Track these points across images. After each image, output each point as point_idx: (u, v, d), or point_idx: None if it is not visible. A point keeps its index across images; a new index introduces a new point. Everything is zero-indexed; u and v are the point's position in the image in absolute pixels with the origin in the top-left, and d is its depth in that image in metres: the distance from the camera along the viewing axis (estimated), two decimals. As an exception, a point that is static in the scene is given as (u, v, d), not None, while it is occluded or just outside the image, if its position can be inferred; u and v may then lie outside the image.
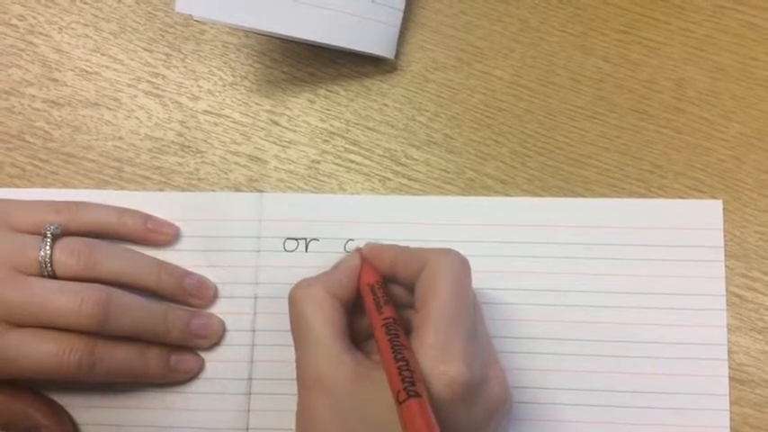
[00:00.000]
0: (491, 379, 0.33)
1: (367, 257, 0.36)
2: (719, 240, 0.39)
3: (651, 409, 0.37)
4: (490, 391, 0.33)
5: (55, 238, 0.36)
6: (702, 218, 0.39)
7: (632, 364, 0.38)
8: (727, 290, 0.39)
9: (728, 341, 0.38)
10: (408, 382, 0.29)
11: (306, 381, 0.33)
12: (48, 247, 0.35)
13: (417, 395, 0.28)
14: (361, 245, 0.38)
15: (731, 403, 0.38)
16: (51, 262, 0.35)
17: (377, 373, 0.31)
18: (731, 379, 0.38)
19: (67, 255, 0.36)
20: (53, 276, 0.35)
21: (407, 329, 0.33)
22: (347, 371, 0.32)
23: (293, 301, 0.34)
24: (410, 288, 0.35)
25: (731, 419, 0.37)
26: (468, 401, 0.31)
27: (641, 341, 0.38)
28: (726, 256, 0.39)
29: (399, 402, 0.28)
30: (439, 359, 0.31)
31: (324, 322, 0.33)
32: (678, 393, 0.37)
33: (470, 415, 0.32)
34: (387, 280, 0.36)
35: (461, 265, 0.34)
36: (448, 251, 0.34)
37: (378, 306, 0.34)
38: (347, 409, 0.31)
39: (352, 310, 0.36)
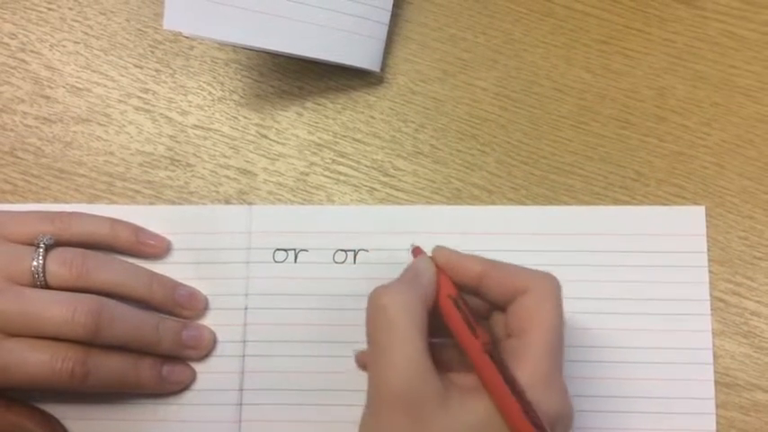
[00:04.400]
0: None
1: (442, 266, 0.34)
2: (703, 246, 0.40)
3: (637, 413, 0.38)
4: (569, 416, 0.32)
5: (48, 248, 0.36)
6: (686, 224, 0.40)
7: (618, 369, 0.38)
8: (711, 295, 0.39)
9: (714, 345, 0.39)
10: (538, 426, 0.28)
11: (385, 394, 0.30)
12: (41, 258, 0.36)
13: None
14: (415, 244, 0.36)
15: (717, 407, 0.38)
16: (44, 272, 0.36)
17: (469, 398, 0.30)
18: (717, 383, 0.38)
19: (60, 265, 0.36)
20: (46, 286, 0.36)
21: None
22: (435, 391, 0.30)
23: (383, 307, 0.31)
24: (493, 303, 0.34)
25: (717, 423, 0.38)
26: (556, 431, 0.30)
27: (627, 347, 0.38)
28: (709, 261, 0.39)
29: None
30: (541, 393, 0.30)
31: (420, 335, 0.30)
32: (664, 398, 0.38)
33: None
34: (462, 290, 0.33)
35: (560, 292, 0.32)
36: (548, 276, 0.33)
37: (470, 326, 0.31)
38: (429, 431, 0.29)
39: None
